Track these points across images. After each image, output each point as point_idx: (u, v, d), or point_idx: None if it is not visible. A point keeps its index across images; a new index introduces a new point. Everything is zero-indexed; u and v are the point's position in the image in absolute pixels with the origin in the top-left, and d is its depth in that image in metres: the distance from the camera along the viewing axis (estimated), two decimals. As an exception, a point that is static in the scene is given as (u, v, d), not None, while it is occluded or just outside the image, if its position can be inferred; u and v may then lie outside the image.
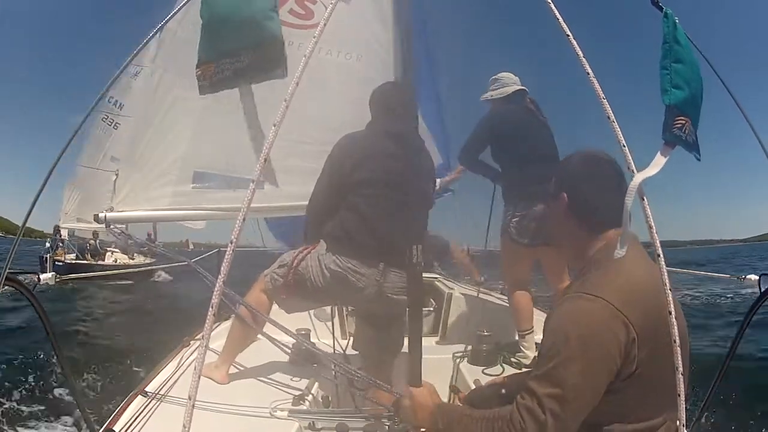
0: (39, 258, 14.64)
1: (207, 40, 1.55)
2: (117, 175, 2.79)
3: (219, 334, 2.83)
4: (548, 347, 1.11)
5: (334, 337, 2.49)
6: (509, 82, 3.06)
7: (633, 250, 1.23)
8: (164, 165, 2.73)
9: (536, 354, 2.75)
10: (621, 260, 1.17)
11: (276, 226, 5.23)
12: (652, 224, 1.11)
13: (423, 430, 1.37)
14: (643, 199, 1.14)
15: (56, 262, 14.25)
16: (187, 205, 2.74)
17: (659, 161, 1.21)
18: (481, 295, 3.61)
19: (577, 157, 1.43)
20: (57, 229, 14.78)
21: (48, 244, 15.68)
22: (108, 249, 15.70)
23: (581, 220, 1.29)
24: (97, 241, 15.55)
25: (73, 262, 15.30)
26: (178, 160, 2.72)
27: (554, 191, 1.37)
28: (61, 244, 15.10)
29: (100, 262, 15.05)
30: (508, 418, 1.09)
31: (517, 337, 2.86)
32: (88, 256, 15.65)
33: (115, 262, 15.10)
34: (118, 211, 2.67)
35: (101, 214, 2.61)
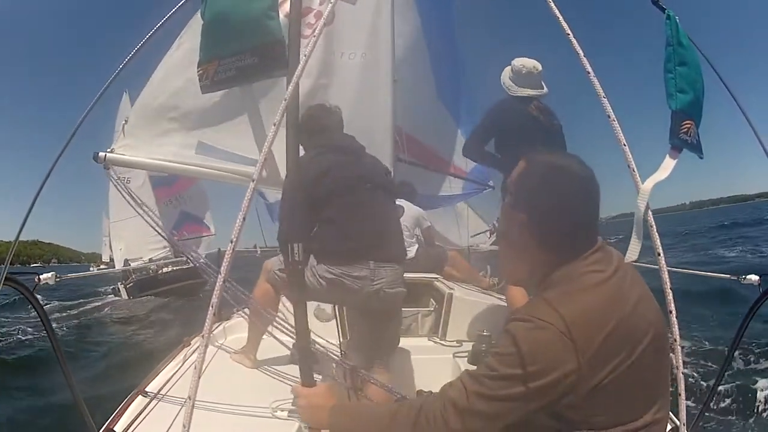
0: (113, 288, 19.52)
1: (208, 39, 1.56)
2: (126, 121, 2.75)
3: (220, 334, 2.84)
4: (497, 360, 0.98)
5: (339, 336, 2.49)
6: (523, 83, 3.02)
7: (588, 260, 1.03)
8: (174, 125, 2.70)
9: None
10: (576, 277, 1.01)
11: (276, 209, 5.16)
12: (653, 223, 1.10)
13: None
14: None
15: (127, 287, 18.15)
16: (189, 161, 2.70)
17: (668, 164, 1.19)
18: (481, 295, 3.60)
19: (539, 169, 1.06)
20: (127, 262, 17.80)
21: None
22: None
23: (544, 249, 1.03)
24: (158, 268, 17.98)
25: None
26: (187, 123, 2.68)
27: (512, 206, 1.07)
28: (131, 274, 18.35)
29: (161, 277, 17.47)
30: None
31: None
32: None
33: (171, 270, 17.16)
34: (120, 155, 2.64)
35: (101, 154, 2.60)
